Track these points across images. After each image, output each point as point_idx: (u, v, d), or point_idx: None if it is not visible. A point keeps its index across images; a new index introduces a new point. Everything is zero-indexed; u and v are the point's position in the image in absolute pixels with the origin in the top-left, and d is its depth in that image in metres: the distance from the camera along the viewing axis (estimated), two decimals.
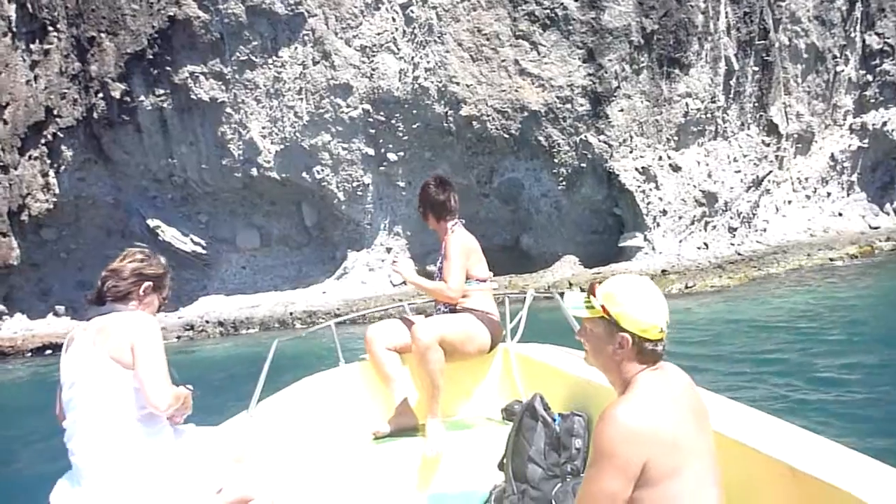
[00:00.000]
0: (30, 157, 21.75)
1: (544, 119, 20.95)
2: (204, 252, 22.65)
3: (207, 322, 21.45)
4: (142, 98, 20.80)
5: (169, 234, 22.20)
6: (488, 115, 20.99)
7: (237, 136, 21.29)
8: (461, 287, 4.18)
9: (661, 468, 1.92)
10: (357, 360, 4.60)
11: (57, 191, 21.69)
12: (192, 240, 22.42)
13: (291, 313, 20.83)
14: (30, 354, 20.94)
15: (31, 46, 21.50)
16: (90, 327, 2.85)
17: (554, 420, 3.33)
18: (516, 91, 20.89)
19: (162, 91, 20.77)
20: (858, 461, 2.09)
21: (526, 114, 20.91)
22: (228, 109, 21.10)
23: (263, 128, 21.33)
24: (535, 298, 4.82)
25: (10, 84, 21.76)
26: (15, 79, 21.77)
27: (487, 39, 20.81)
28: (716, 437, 2.13)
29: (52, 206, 21.77)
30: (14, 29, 21.67)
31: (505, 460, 3.35)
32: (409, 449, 3.88)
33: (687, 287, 19.54)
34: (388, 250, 22.30)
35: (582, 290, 2.38)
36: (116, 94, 20.64)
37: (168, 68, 20.57)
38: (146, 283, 2.98)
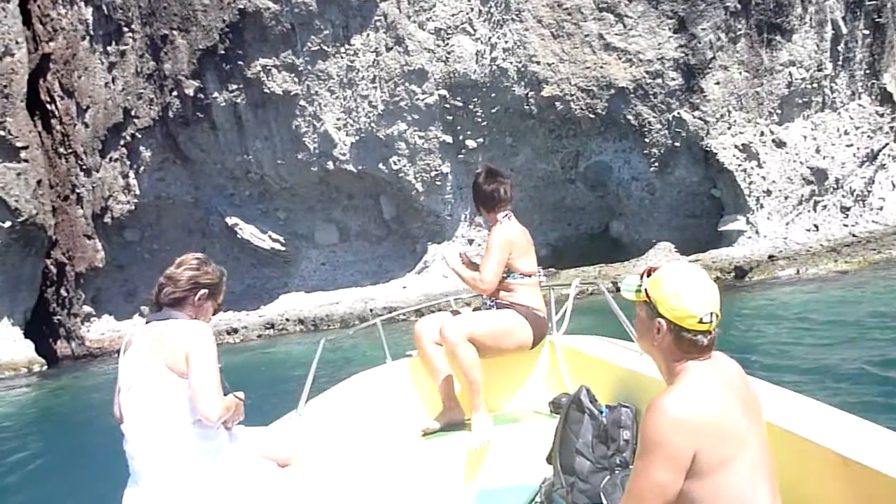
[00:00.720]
0: (110, 160, 21.78)
1: (633, 96, 19.52)
2: (283, 249, 22.24)
3: (288, 320, 21.03)
4: (215, 94, 20.47)
5: (247, 231, 21.87)
6: (572, 95, 19.72)
7: (311, 129, 20.73)
8: (493, 280, 4.14)
9: (712, 459, 1.89)
10: (404, 356, 4.58)
11: (137, 191, 21.66)
12: (270, 237, 22.04)
13: (371, 309, 20.15)
14: (116, 355, 20.92)
15: (108, 48, 21.50)
16: (147, 332, 2.90)
17: (601, 412, 3.30)
18: (602, 68, 19.54)
19: (235, 86, 20.39)
20: None
21: (613, 91, 19.53)
22: (302, 102, 20.55)
23: (338, 119, 20.69)
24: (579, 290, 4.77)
25: (90, 87, 21.84)
26: (94, 82, 21.83)
27: (569, 14, 19.51)
28: (767, 427, 2.10)
29: (133, 208, 21.77)
30: (91, 32, 21.71)
31: (553, 453, 3.32)
32: (458, 444, 3.85)
33: (797, 273, 17.84)
34: (470, 242, 21.35)
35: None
36: (190, 92, 20.37)
37: (240, 63, 20.15)
38: (202, 291, 3.01)
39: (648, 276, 2.15)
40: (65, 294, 22.77)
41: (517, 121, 20.33)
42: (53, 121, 22.63)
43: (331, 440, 3.84)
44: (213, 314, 3.15)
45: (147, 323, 3.02)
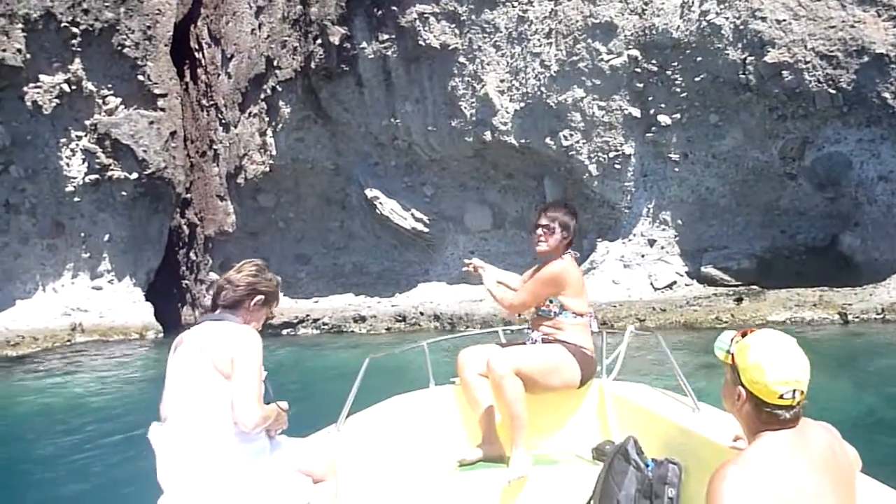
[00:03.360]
0: (249, 115, 19.65)
1: (893, 67, 14.51)
2: (426, 231, 19.15)
3: (422, 314, 17.90)
4: (363, 44, 17.65)
5: (388, 207, 18.97)
6: (806, 63, 15.01)
7: (470, 92, 17.40)
8: (524, 307, 4.18)
9: None
10: (448, 382, 4.46)
11: (274, 152, 19.37)
12: (413, 215, 19.02)
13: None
14: None
15: None
16: (199, 332, 2.91)
17: (647, 466, 3.17)
18: (852, 27, 14.68)
19: (386, 36, 17.45)
20: None
21: (865, 59, 14.62)
22: (461, 59, 17.27)
23: (501, 81, 17.23)
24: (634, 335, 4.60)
25: (236, 34, 19.81)
26: (241, 28, 19.76)
27: None
28: None
29: (268, 169, 19.54)
30: None
31: (592, 502, 3.22)
32: (495, 479, 3.73)
33: None
34: (651, 243, 17.18)
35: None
36: (335, 40, 17.67)
37: (394, 8, 17.17)
38: (258, 297, 3.03)
39: (744, 337, 2.13)
40: (194, 258, 21.06)
41: (728, 94, 15.91)
42: (199, 70, 20.89)
43: (367, 460, 3.72)
44: (266, 322, 3.12)
45: (201, 323, 2.98)
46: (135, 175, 18.48)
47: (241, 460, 2.80)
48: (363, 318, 18.31)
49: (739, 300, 15.82)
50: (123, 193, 18.65)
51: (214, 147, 20.37)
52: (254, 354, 2.83)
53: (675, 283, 16.84)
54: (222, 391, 2.78)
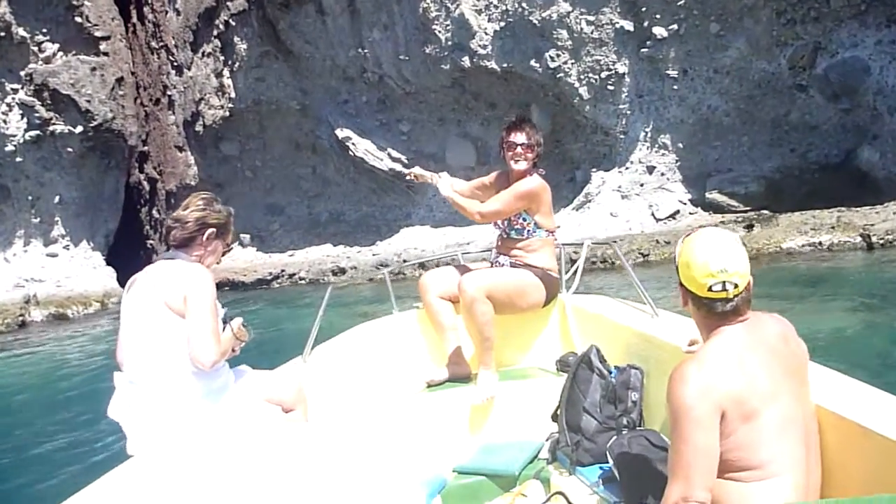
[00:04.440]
0: (203, 55, 17.85)
1: None
2: (405, 171, 17.61)
3: (405, 262, 16.48)
4: None
5: (361, 148, 17.41)
6: None
7: (444, 13, 15.69)
8: (494, 218, 4.17)
9: (737, 418, 1.95)
10: (412, 307, 4.43)
11: (232, 94, 17.66)
12: (389, 155, 17.47)
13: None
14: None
15: None
16: (152, 272, 2.86)
17: (610, 372, 3.28)
18: None
19: None
20: None
21: None
22: None
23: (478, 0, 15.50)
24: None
25: None
26: None
27: None
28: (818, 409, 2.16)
29: (228, 114, 17.85)
30: None
31: (559, 411, 3.34)
32: (463, 397, 3.86)
33: None
34: (651, 170, 15.76)
35: None
36: None
37: None
38: (209, 231, 2.92)
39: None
40: (157, 216, 19.50)
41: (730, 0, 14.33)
42: (145, 9, 18.96)
43: (335, 387, 3.72)
44: (224, 254, 3.05)
45: (154, 262, 2.93)
46: (80, 128, 16.74)
47: (204, 397, 2.76)
48: (342, 270, 16.91)
49: (750, 227, 14.50)
50: (70, 150, 16.94)
51: (168, 93, 18.61)
52: (206, 291, 2.76)
53: (678, 212, 15.49)
54: (177, 329, 2.73)
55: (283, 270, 17.45)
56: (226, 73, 17.58)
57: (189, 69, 17.96)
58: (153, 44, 18.88)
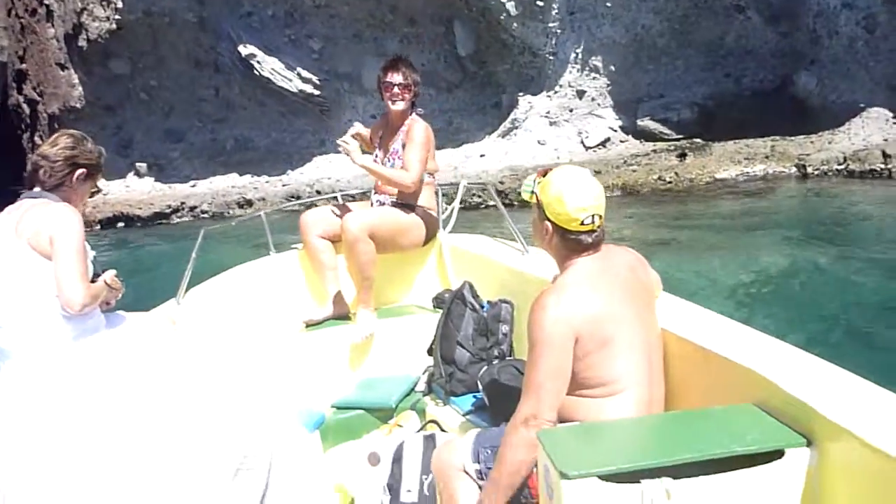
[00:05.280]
0: None
1: None
2: (317, 94, 16.16)
3: (318, 193, 15.20)
4: None
5: (267, 67, 15.80)
6: None
7: None
8: (420, 178, 4.09)
9: (591, 341, 2.11)
10: (289, 248, 4.45)
11: (119, 4, 15.65)
12: (299, 75, 15.93)
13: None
14: (98, 227, 15.85)
15: None
16: (15, 211, 2.74)
17: (482, 307, 3.43)
18: None
19: None
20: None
21: None
22: None
23: None
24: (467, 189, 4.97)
25: None
26: None
27: None
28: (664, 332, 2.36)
29: (115, 27, 15.86)
30: None
31: (434, 345, 3.46)
32: (342, 336, 3.92)
33: None
34: (581, 94, 14.79)
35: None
36: None
37: None
38: (79, 171, 2.81)
39: (539, 177, 2.29)
40: (39, 141, 17.49)
41: None
42: None
43: (211, 329, 3.67)
44: (91, 196, 3.11)
45: (19, 201, 2.78)
46: None
47: (74, 339, 2.66)
48: (249, 203, 15.52)
49: (683, 156, 13.83)
50: None
51: (46, 2, 16.44)
52: (73, 232, 2.66)
53: (608, 139, 14.66)
54: (42, 271, 2.63)
55: (183, 203, 15.92)
56: None
57: None
58: None
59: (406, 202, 4.12)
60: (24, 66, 17.26)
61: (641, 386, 2.16)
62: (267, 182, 16.33)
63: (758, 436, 1.86)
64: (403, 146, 4.11)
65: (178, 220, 15.72)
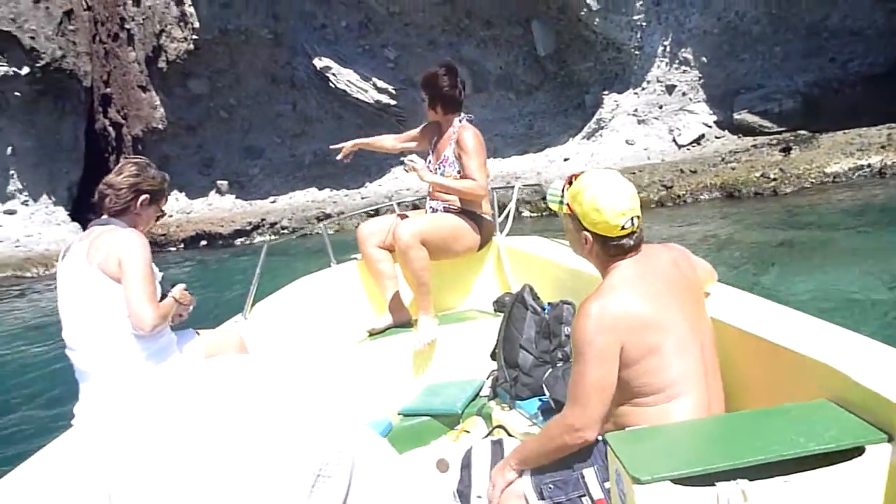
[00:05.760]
0: None
1: None
2: (393, 104, 15.81)
3: (399, 205, 14.81)
4: None
5: (343, 79, 15.56)
6: None
7: None
8: (487, 183, 4.14)
9: (638, 348, 2.06)
10: (349, 259, 4.54)
11: (196, 24, 15.72)
12: (375, 86, 15.62)
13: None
14: (182, 246, 15.93)
15: None
16: (86, 238, 2.89)
17: (543, 309, 3.42)
18: None
19: None
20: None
21: None
22: None
23: None
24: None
25: None
26: None
27: None
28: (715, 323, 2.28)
29: (192, 47, 15.93)
30: None
31: (497, 350, 3.49)
32: (404, 343, 3.99)
33: None
34: (670, 90, 13.93)
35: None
36: None
37: None
38: (143, 197, 2.96)
39: (570, 184, 2.22)
40: None
41: None
42: None
43: (277, 341, 3.73)
44: (157, 220, 3.12)
45: (89, 228, 2.94)
46: (26, 69, 14.91)
47: (147, 360, 2.78)
48: (329, 217, 15.26)
49: (787, 150, 12.78)
50: (17, 94, 15.14)
51: (126, 26, 16.68)
52: (139, 255, 2.79)
53: (703, 136, 13.75)
54: (113, 294, 2.76)
55: (263, 220, 15.82)
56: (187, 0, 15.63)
57: None
58: None
59: (460, 208, 4.12)
60: (108, 90, 17.58)
61: (699, 389, 2.10)
62: (346, 195, 16.09)
63: (836, 433, 1.79)
64: (456, 155, 4.09)
65: (260, 238, 15.62)
